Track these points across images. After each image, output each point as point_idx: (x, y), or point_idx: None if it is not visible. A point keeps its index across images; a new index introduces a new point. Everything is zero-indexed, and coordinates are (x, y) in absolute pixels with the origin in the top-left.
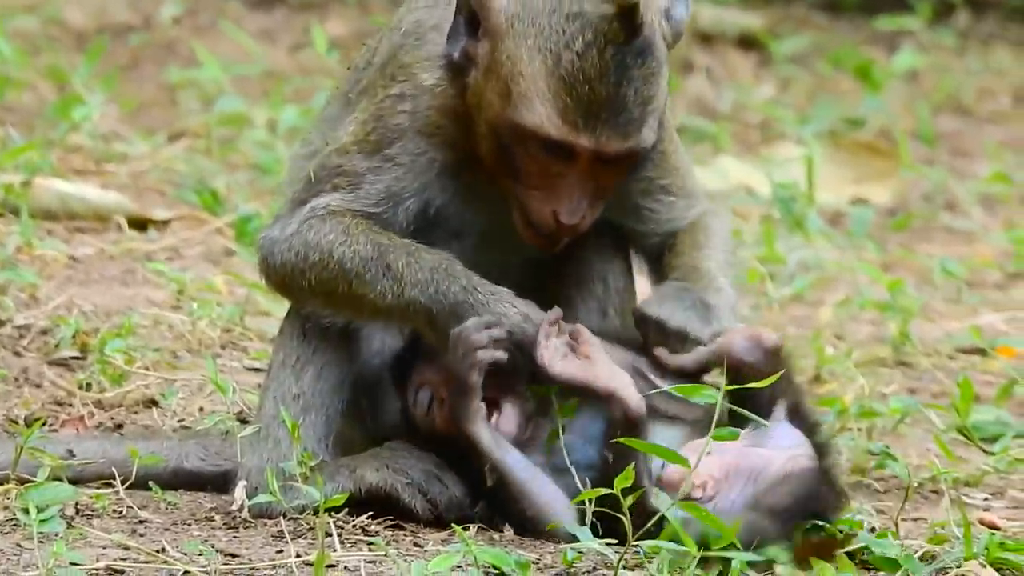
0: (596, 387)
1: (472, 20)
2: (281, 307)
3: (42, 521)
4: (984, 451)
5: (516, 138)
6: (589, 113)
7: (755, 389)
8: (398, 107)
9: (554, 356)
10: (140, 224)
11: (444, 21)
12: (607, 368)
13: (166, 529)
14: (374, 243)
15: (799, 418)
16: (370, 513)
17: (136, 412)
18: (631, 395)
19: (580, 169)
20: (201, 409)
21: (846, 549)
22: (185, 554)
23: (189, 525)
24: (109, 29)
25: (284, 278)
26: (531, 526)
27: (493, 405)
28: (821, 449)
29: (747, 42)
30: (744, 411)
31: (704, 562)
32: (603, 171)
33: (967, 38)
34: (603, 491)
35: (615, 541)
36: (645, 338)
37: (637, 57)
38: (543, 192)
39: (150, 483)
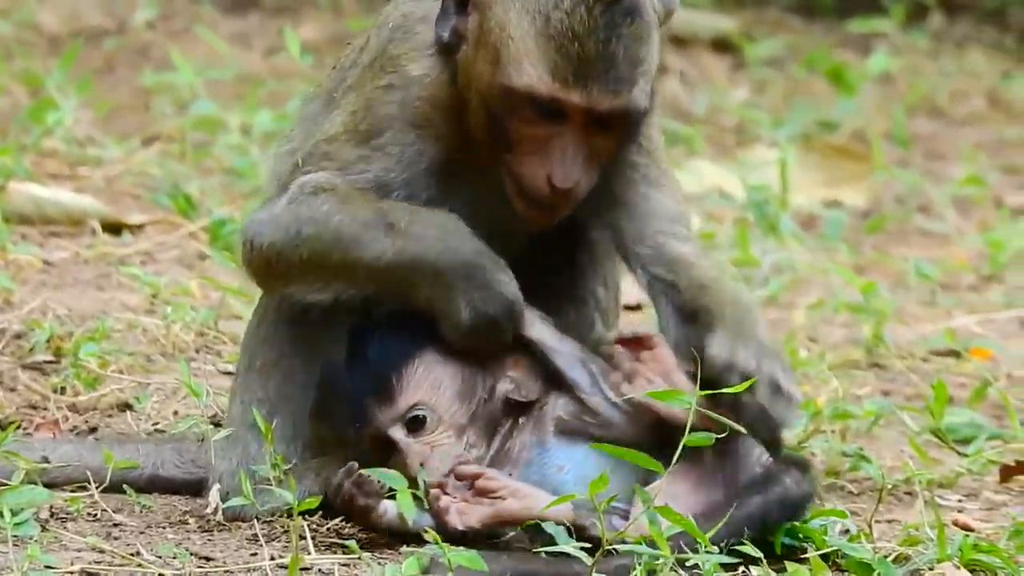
0: (514, 520)
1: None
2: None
3: (16, 524)
4: (958, 453)
5: (507, 103)
6: (579, 70)
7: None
8: (387, 97)
9: (456, 513)
10: (114, 228)
11: (432, 12)
12: (515, 493)
13: (141, 532)
14: (373, 207)
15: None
16: (344, 516)
17: (110, 416)
18: (554, 513)
19: (572, 130)
20: (175, 413)
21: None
22: (159, 557)
23: (164, 528)
24: (83, 33)
25: (270, 259)
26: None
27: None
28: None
29: (721, 45)
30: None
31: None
32: (596, 134)
33: (941, 40)
34: (576, 496)
35: (589, 545)
36: (713, 382)
37: (626, 16)
38: (536, 157)
39: (125, 486)
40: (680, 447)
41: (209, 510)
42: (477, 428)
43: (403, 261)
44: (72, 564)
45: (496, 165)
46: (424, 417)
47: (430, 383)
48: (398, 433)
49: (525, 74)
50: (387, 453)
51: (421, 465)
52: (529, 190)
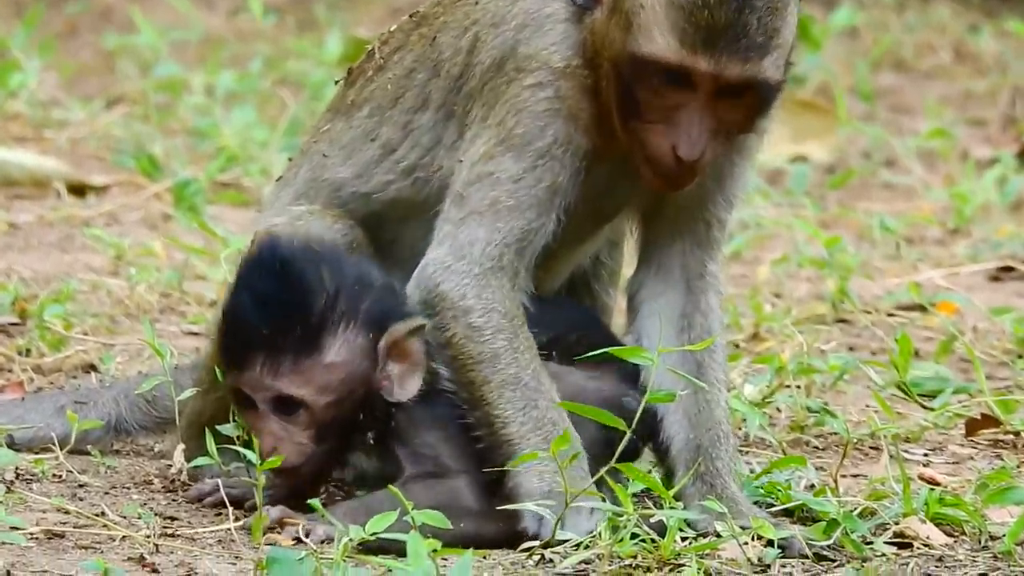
0: None
1: None
2: (218, 271)
3: None
4: (923, 407)
5: (636, 71)
6: (708, 38)
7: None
8: (540, 94)
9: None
10: (79, 190)
11: (557, 9)
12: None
13: (106, 493)
14: (535, 371)
15: None
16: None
17: (75, 377)
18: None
19: (700, 99)
20: (140, 373)
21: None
22: (124, 517)
23: (128, 489)
24: None
25: (447, 325)
26: None
27: None
28: None
29: None
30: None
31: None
32: (723, 105)
33: None
34: (538, 454)
35: (552, 503)
36: None
37: None
38: (663, 126)
39: (89, 447)
40: (640, 408)
41: (174, 470)
42: (336, 444)
43: (504, 436)
44: (37, 524)
45: (628, 149)
46: (298, 408)
47: (321, 385)
48: (264, 404)
49: (654, 42)
50: (242, 404)
51: (274, 449)
52: (655, 160)
